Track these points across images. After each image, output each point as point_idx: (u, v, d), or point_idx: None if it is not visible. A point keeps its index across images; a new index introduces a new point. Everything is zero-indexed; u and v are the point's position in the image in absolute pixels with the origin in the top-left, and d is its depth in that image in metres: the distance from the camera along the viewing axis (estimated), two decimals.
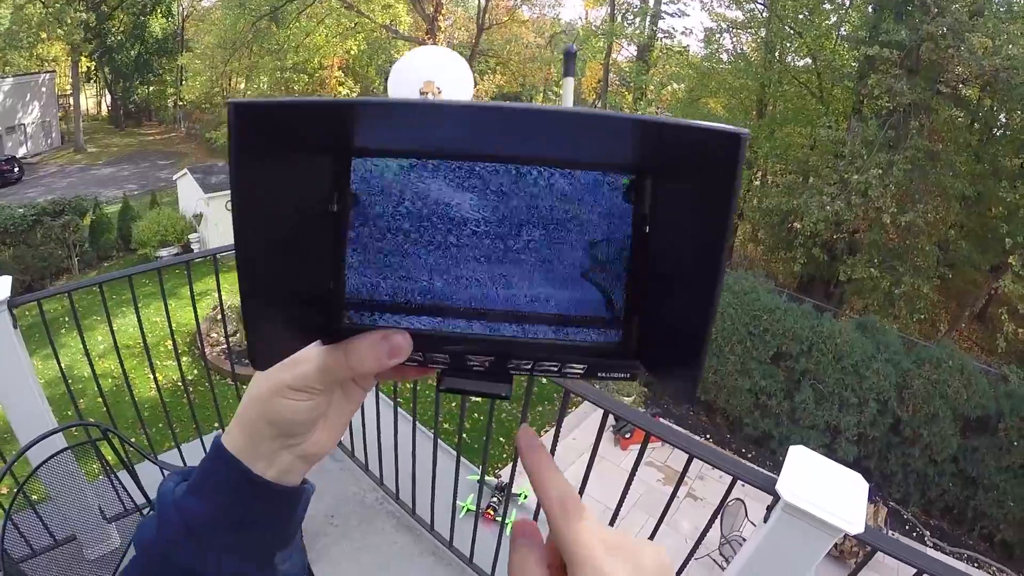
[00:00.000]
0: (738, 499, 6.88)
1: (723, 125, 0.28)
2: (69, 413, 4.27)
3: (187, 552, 0.43)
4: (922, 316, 13.13)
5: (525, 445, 0.41)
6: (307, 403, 0.42)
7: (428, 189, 0.38)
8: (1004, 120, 14.43)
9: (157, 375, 3.10)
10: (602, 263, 0.39)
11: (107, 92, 33.06)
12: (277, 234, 0.32)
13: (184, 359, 9.94)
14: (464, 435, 3.05)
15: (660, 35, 19.45)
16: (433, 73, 1.23)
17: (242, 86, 27.38)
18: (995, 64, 11.04)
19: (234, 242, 0.30)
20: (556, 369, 0.40)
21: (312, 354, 0.40)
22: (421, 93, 1.19)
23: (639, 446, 1.88)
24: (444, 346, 0.40)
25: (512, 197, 0.38)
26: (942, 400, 9.12)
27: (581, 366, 0.40)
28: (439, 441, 2.82)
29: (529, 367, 0.40)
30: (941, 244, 13.36)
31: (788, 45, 17.11)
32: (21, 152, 24.98)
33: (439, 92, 1.20)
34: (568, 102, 0.72)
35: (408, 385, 3.27)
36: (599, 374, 0.40)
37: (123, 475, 2.58)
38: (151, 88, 31.80)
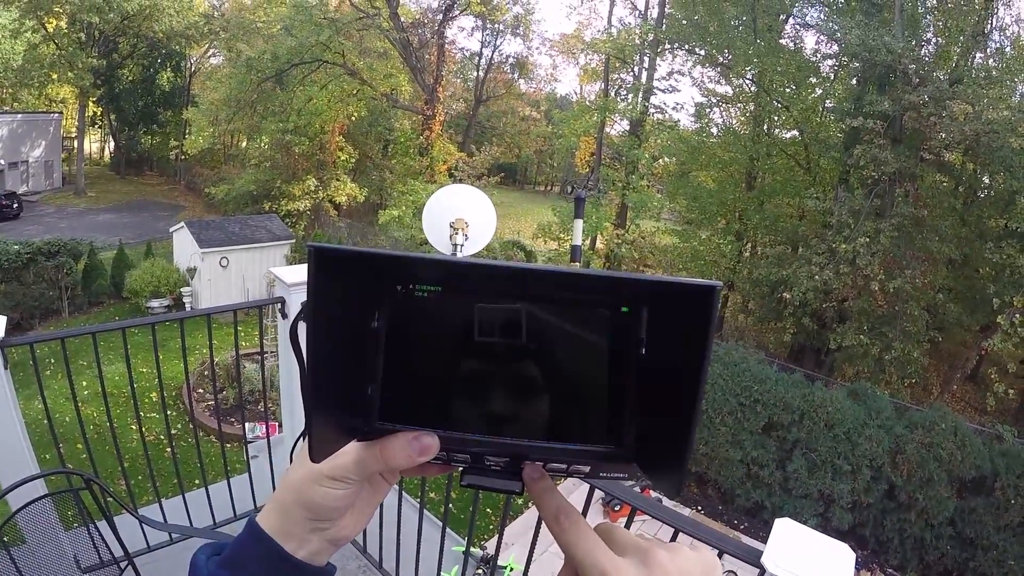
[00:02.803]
0: (731, 571, 6.70)
1: (701, 281, 0.36)
2: (48, 457, 4.17)
3: None
4: (913, 380, 13.01)
5: (529, 477, 0.45)
6: (341, 492, 0.46)
7: (456, 315, 0.43)
8: (987, 182, 14.42)
9: (142, 427, 3.06)
10: (606, 380, 0.43)
11: (111, 138, 33.62)
12: (335, 343, 0.38)
13: (169, 413, 9.77)
14: (450, 505, 3.01)
15: (652, 110, 19.69)
16: (463, 211, 1.37)
17: (244, 144, 27.78)
18: (976, 129, 11.15)
19: (307, 347, 0.37)
20: (564, 468, 0.45)
21: (349, 448, 0.44)
22: (452, 227, 1.32)
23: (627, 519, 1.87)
24: (465, 447, 0.44)
25: (529, 325, 0.43)
26: (936, 463, 8.98)
27: (586, 467, 0.45)
28: (424, 511, 2.79)
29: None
30: (930, 308, 13.26)
31: (776, 119, 17.53)
32: (22, 189, 25.16)
33: (467, 226, 1.33)
34: (577, 240, 0.80)
35: None
36: (601, 474, 0.46)
37: (101, 525, 2.52)
38: (155, 138, 32.21)
